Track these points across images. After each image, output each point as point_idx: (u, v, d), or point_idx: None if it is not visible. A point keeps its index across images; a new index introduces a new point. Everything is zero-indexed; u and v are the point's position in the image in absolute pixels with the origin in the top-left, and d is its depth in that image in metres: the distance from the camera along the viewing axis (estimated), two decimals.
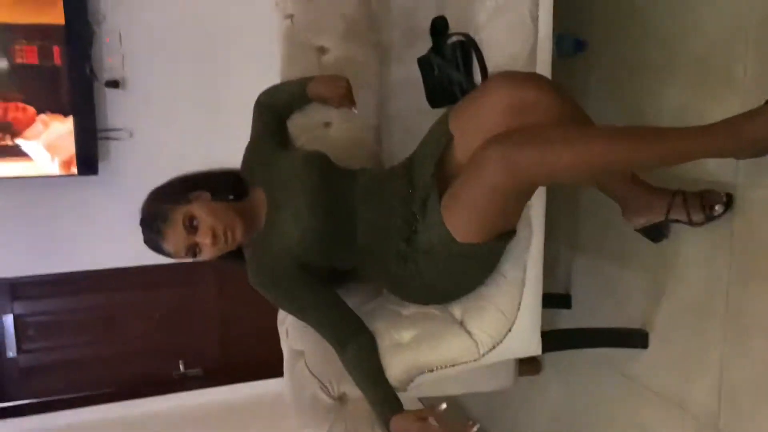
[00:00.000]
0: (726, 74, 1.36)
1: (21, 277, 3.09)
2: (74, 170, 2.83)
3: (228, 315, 3.48)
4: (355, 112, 1.59)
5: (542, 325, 1.48)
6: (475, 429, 1.22)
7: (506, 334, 1.42)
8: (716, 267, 1.39)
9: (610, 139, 1.16)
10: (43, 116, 2.80)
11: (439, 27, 1.52)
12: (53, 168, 2.86)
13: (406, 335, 1.43)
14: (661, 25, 1.55)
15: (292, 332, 1.73)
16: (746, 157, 1.21)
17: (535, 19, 1.32)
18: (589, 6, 1.81)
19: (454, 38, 1.46)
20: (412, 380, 1.39)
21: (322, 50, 1.68)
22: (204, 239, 1.32)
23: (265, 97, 1.64)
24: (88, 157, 2.85)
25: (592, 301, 1.83)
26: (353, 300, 1.56)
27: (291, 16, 1.66)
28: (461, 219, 1.27)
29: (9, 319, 3.16)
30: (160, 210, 1.35)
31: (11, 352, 3.18)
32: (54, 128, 2.83)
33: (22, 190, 2.92)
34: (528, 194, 1.28)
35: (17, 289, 3.14)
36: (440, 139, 1.37)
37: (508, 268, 1.41)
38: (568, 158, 1.13)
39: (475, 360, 1.41)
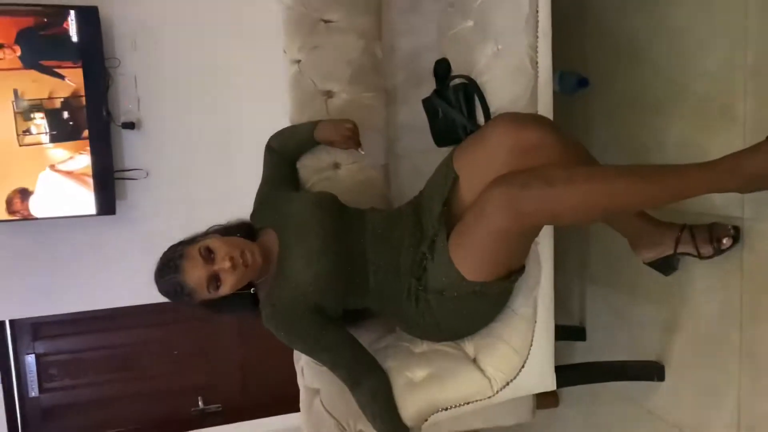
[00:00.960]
0: (726, 110, 1.37)
1: (42, 317, 3.14)
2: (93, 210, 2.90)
3: (247, 350, 3.49)
4: (362, 152, 1.63)
5: (557, 358, 1.48)
6: None
7: (520, 371, 1.43)
8: (728, 299, 1.39)
9: (612, 179, 1.17)
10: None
11: (441, 69, 1.56)
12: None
13: (420, 373, 1.44)
14: (662, 61, 1.57)
15: (307, 371, 1.74)
16: (750, 191, 1.21)
17: (534, 63, 1.36)
18: (590, 44, 1.84)
19: (456, 80, 1.50)
20: (426, 419, 1.40)
21: (329, 94, 1.72)
22: (223, 264, 1.34)
23: (274, 140, 1.68)
24: (105, 196, 2.92)
25: (606, 333, 1.83)
26: (366, 338, 1.58)
27: (298, 62, 1.71)
28: (470, 259, 1.29)
29: (31, 359, 3.20)
30: (175, 252, 1.39)
31: (33, 392, 3.22)
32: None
33: (42, 231, 2.99)
34: (534, 233, 1.30)
35: (38, 328, 3.19)
36: (446, 180, 1.40)
37: (518, 304, 1.43)
38: (572, 200, 1.15)
39: (489, 398, 1.42)
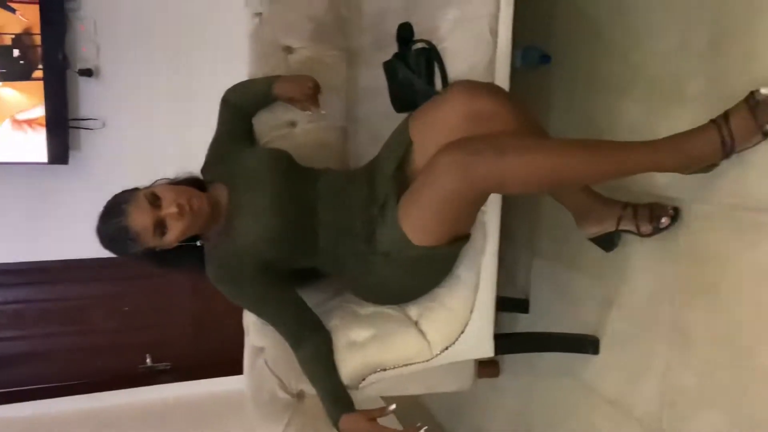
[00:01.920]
0: (678, 92, 1.40)
1: None
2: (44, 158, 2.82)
3: (200, 309, 3.47)
4: (322, 112, 1.61)
5: (500, 328, 1.52)
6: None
7: (459, 336, 1.45)
8: (663, 277, 1.43)
9: (561, 152, 1.19)
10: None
11: (404, 33, 1.55)
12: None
13: (362, 334, 1.46)
14: (620, 42, 1.59)
15: (253, 329, 1.75)
16: (691, 172, 1.25)
17: (494, 33, 1.36)
18: (555, 21, 1.85)
19: (418, 45, 1.49)
20: (364, 379, 1.42)
21: (289, 50, 1.69)
22: (169, 209, 1.32)
23: (231, 94, 1.65)
24: (58, 145, 2.84)
25: (548, 306, 1.88)
26: (314, 298, 1.59)
27: (259, 14, 1.67)
28: (417, 222, 1.30)
29: None
30: (120, 198, 1.37)
31: None
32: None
33: None
34: (481, 201, 1.31)
35: None
36: (400, 144, 1.40)
37: (462, 270, 1.45)
38: (521, 170, 1.17)
39: (427, 360, 1.44)
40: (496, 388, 2.14)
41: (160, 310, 3.45)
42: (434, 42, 1.47)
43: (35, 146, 2.83)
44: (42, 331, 3.27)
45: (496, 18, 1.36)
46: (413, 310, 1.51)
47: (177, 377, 3.45)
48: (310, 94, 1.58)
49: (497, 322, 1.55)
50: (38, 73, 2.78)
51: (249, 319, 1.77)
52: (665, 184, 1.42)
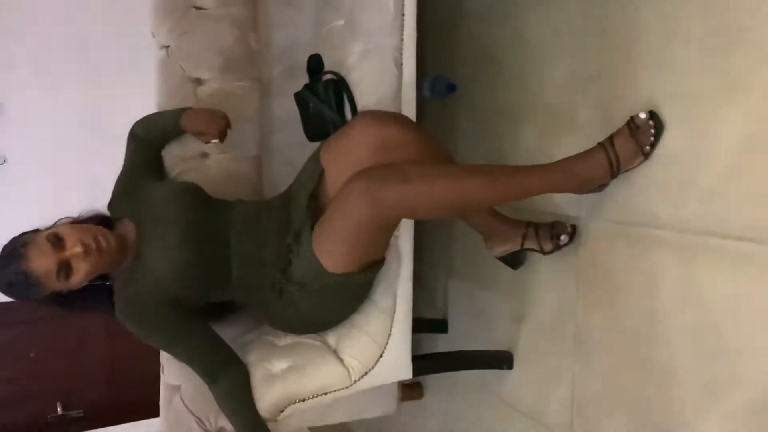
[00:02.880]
0: (570, 118, 1.51)
1: None
2: None
3: (113, 351, 3.31)
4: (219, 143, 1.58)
5: (421, 349, 1.56)
6: None
7: (378, 360, 1.47)
8: (566, 291, 1.52)
9: (463, 178, 1.25)
10: None
11: (314, 65, 1.58)
12: None
13: (279, 365, 1.45)
14: (519, 71, 1.70)
15: (167, 367, 1.69)
16: (585, 192, 1.34)
17: (399, 65, 1.42)
18: (460, 51, 1.95)
19: (327, 76, 1.53)
20: (282, 410, 1.40)
21: (199, 81, 1.69)
22: (74, 249, 1.27)
23: (138, 127, 1.62)
24: None
25: (466, 325, 1.94)
26: (230, 332, 1.56)
27: (167, 47, 1.66)
28: (331, 250, 1.32)
29: None
30: (18, 241, 1.30)
31: None
32: None
33: None
34: (393, 226, 1.35)
35: None
36: (313, 173, 1.42)
37: (379, 296, 1.47)
38: (426, 196, 1.22)
39: (347, 387, 1.45)
40: (420, 410, 2.16)
41: (71, 354, 3.26)
42: (343, 73, 1.51)
43: None
44: None
45: (400, 50, 1.41)
46: (331, 338, 1.52)
47: (91, 425, 3.26)
48: (220, 129, 1.56)
49: (417, 343, 1.59)
50: None
51: (164, 356, 1.72)
52: (563, 203, 1.51)
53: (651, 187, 1.29)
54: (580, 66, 1.49)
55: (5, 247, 1.31)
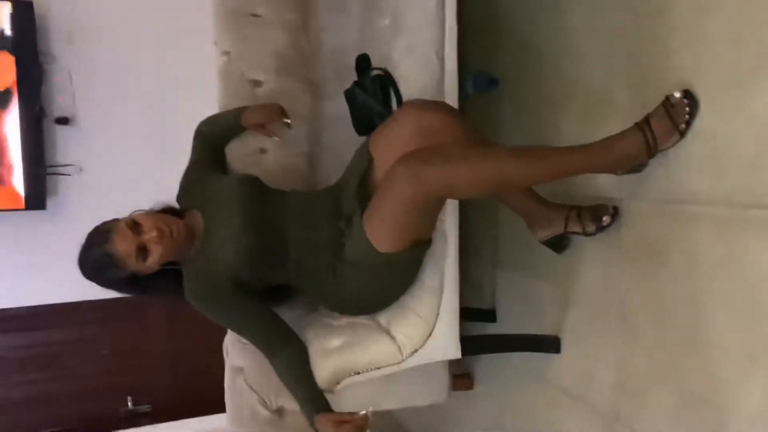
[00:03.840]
0: (608, 102, 1.55)
1: None
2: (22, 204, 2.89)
3: (177, 350, 3.49)
4: (290, 129, 1.72)
5: (467, 335, 1.61)
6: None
7: (427, 339, 1.54)
8: (610, 272, 1.55)
9: (503, 157, 1.32)
10: None
11: (362, 63, 1.69)
12: None
13: (334, 342, 1.54)
14: (558, 59, 1.75)
15: (231, 350, 1.81)
16: (624, 172, 1.39)
17: (441, 58, 1.51)
18: (500, 45, 2.02)
19: (374, 72, 1.63)
20: (338, 382, 1.49)
21: (256, 83, 1.83)
22: (150, 233, 1.42)
23: (203, 125, 1.77)
24: (36, 191, 2.91)
25: (514, 313, 1.98)
26: (288, 315, 1.66)
27: (228, 53, 1.81)
28: (380, 230, 1.41)
29: None
30: (102, 228, 1.45)
31: None
32: None
33: None
34: (437, 206, 1.43)
35: None
36: (362, 161, 1.52)
37: (426, 276, 1.55)
38: (466, 175, 1.29)
39: (398, 363, 1.53)
40: (470, 401, 2.21)
41: (139, 352, 3.46)
42: (389, 69, 1.61)
43: (13, 193, 2.90)
44: (21, 379, 3.26)
45: (442, 44, 1.50)
46: (383, 318, 1.60)
47: (158, 419, 3.44)
48: (277, 115, 1.70)
49: (467, 332, 1.65)
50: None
51: (228, 340, 1.84)
52: (605, 187, 1.55)
53: (689, 164, 1.32)
54: (616, 50, 1.53)
55: (90, 233, 1.47)
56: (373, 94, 1.61)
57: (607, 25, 1.56)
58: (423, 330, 1.54)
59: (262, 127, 1.72)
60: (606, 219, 1.50)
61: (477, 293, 2.14)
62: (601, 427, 1.58)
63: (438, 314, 1.55)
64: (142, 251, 1.43)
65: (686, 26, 1.33)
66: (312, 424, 1.41)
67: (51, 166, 3.02)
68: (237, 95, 1.79)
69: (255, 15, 1.83)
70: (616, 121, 1.51)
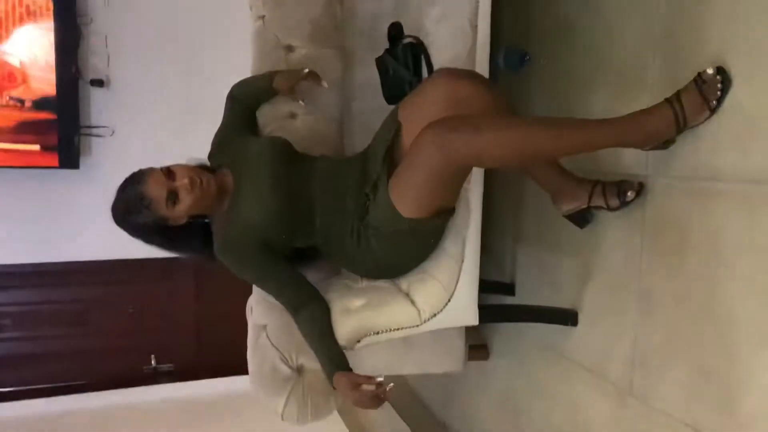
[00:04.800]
0: (640, 78, 1.55)
1: None
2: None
3: (202, 313, 3.59)
4: (325, 85, 1.74)
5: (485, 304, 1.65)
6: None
7: (446, 304, 1.58)
8: (631, 248, 1.57)
9: (531, 128, 1.34)
10: None
11: (394, 31, 1.71)
12: None
13: (356, 303, 1.58)
14: (589, 35, 1.75)
15: (255, 308, 1.86)
16: (650, 148, 1.39)
17: (474, 27, 1.52)
18: (532, 20, 2.02)
19: (406, 41, 1.65)
20: (359, 340, 1.54)
21: (290, 48, 1.85)
22: (182, 180, 1.47)
23: (236, 88, 1.81)
24: (69, 151, 2.99)
25: (532, 287, 2.00)
26: (313, 277, 1.70)
27: (262, 17, 1.84)
28: (405, 196, 1.44)
29: None
30: (138, 171, 1.52)
31: None
32: None
33: (3, 180, 3.04)
34: (463, 175, 1.45)
35: None
36: (390, 128, 1.55)
37: (448, 244, 1.58)
38: (494, 144, 1.31)
39: (416, 326, 1.57)
40: (485, 372, 2.25)
41: (164, 312, 3.57)
42: (421, 37, 1.63)
43: (48, 151, 2.98)
44: (50, 333, 3.38)
45: (475, 13, 1.51)
46: (404, 283, 1.64)
47: (180, 378, 3.55)
48: (308, 76, 1.72)
49: (486, 302, 1.68)
50: None
51: (253, 298, 1.90)
52: (631, 162, 1.56)
53: (718, 141, 1.32)
54: (650, 27, 1.53)
55: (126, 178, 1.53)
56: (404, 62, 1.63)
57: (642, 1, 1.55)
58: (442, 295, 1.58)
59: (292, 91, 1.75)
60: (630, 194, 1.51)
61: (497, 266, 2.16)
62: (615, 401, 1.61)
63: (458, 281, 1.59)
64: (173, 197, 1.48)
65: (721, 3, 1.32)
66: (331, 381, 1.46)
67: (85, 127, 3.10)
68: (270, 60, 1.82)
69: None
70: (647, 99, 1.51)
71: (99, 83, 3.09)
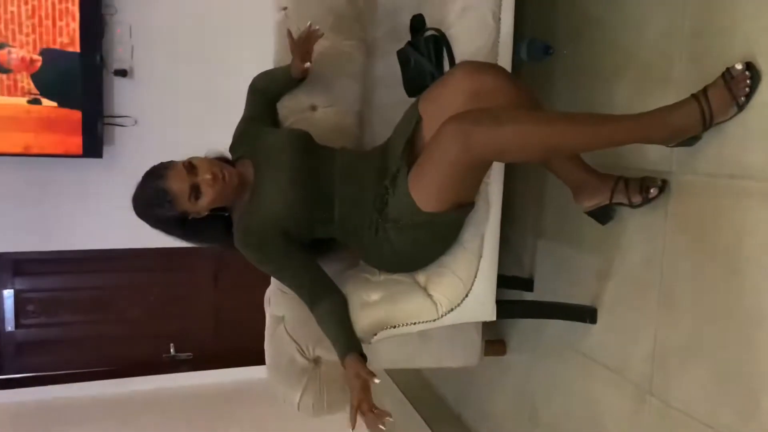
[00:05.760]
0: (665, 73, 1.53)
1: (23, 253, 3.25)
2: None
3: (222, 303, 3.62)
4: (321, 33, 1.67)
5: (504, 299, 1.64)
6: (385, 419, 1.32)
7: (464, 299, 1.58)
8: (653, 245, 1.54)
9: (554, 122, 1.33)
10: None
11: (417, 24, 1.70)
12: None
13: (373, 296, 1.58)
14: (615, 30, 1.72)
15: (273, 299, 1.88)
16: (675, 144, 1.37)
17: (497, 19, 1.50)
18: (557, 13, 1.99)
19: (428, 33, 1.64)
20: (375, 333, 1.54)
21: None
22: (204, 175, 1.47)
23: (258, 80, 1.81)
24: (93, 140, 3.03)
25: (551, 283, 1.99)
26: (330, 268, 1.71)
27: (285, 9, 1.84)
28: (424, 189, 1.43)
29: (9, 294, 3.30)
30: (160, 166, 1.52)
31: (10, 326, 3.32)
32: None
33: (28, 168, 3.09)
34: (483, 169, 1.45)
35: (19, 264, 3.30)
36: (411, 120, 1.54)
37: (467, 238, 1.57)
38: (516, 138, 1.30)
39: (434, 320, 1.57)
40: (501, 367, 2.24)
41: (184, 302, 3.61)
42: (443, 29, 1.61)
43: (72, 140, 3.02)
44: (71, 319, 3.44)
45: (498, 5, 1.50)
46: (421, 277, 1.63)
47: (198, 367, 3.59)
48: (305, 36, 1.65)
49: (504, 297, 1.67)
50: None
51: (270, 289, 1.91)
52: (655, 159, 1.54)
53: (745, 138, 1.30)
54: (677, 21, 1.50)
55: (147, 171, 1.54)
56: (426, 54, 1.62)
57: None
58: (460, 290, 1.58)
59: (303, 59, 1.68)
60: (653, 191, 1.49)
61: (516, 261, 2.15)
62: (633, 399, 1.59)
63: (476, 276, 1.58)
64: (195, 192, 1.48)
65: None
66: (342, 361, 1.45)
67: (108, 116, 3.14)
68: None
69: None
70: (672, 95, 1.48)
71: (123, 73, 3.12)
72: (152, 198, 1.49)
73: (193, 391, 3.49)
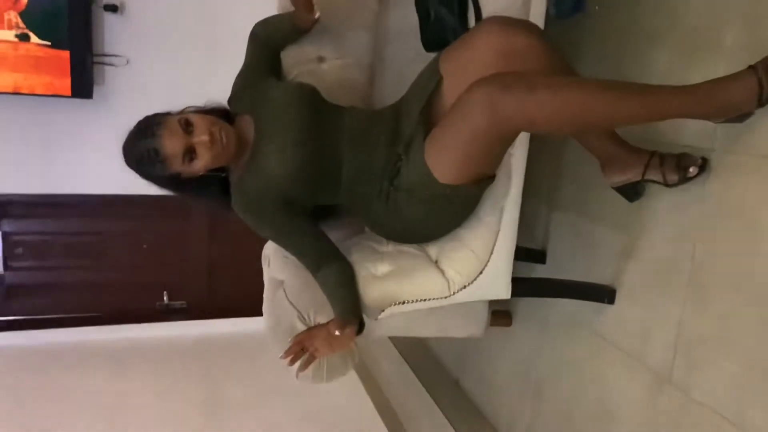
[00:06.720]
0: (714, 41, 1.37)
1: (10, 194, 3.12)
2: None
3: (216, 251, 3.55)
4: (317, 15, 1.55)
5: (515, 274, 1.54)
6: None
7: (478, 276, 1.48)
8: (686, 228, 1.43)
9: (592, 91, 1.18)
10: None
11: None
12: None
13: (382, 269, 1.48)
14: None
15: (273, 261, 1.77)
16: (721, 121, 1.24)
17: None
18: None
19: None
20: (383, 310, 1.45)
21: None
22: (201, 137, 1.34)
23: (259, 27, 1.64)
24: (82, 80, 2.85)
25: (566, 257, 1.89)
26: (336, 235, 1.61)
27: None
28: (443, 159, 1.31)
29: None
30: (153, 120, 1.37)
31: None
32: None
33: (17, 108, 2.93)
34: (509, 140, 1.31)
35: (6, 206, 3.18)
36: (430, 80, 1.40)
37: (485, 212, 1.46)
38: (550, 107, 1.16)
39: (445, 297, 1.47)
40: (508, 338, 2.17)
41: (179, 250, 3.53)
42: None
43: (60, 80, 2.85)
44: (62, 263, 3.36)
45: None
46: (432, 250, 1.53)
47: (192, 316, 3.54)
48: None
49: (513, 269, 1.57)
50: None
51: (269, 252, 1.80)
52: (695, 133, 1.40)
53: None
54: None
55: (139, 123, 1.39)
56: (448, 5, 1.45)
57: None
58: (474, 266, 1.48)
59: (309, 8, 1.55)
60: (693, 170, 1.36)
61: (528, 232, 2.04)
62: (650, 386, 1.52)
63: (492, 252, 1.48)
64: (190, 153, 1.35)
65: None
66: (341, 324, 1.40)
67: (98, 55, 2.95)
68: None
69: None
70: (720, 64, 1.34)
71: (113, 8, 2.92)
72: (143, 156, 1.35)
73: (187, 341, 3.45)
